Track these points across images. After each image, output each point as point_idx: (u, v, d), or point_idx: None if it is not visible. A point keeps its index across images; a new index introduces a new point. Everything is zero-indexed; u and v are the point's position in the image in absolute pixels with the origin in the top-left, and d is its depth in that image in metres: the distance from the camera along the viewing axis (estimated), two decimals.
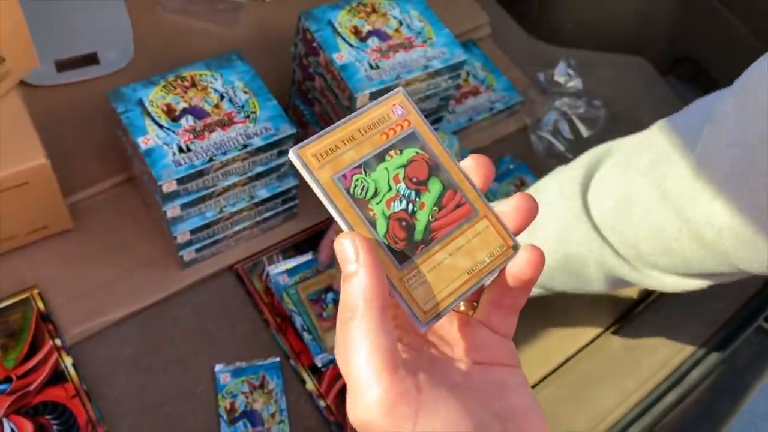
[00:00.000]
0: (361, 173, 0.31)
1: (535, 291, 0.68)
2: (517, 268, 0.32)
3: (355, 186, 0.31)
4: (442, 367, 0.33)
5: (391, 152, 0.32)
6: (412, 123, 0.33)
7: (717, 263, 0.53)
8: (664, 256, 0.56)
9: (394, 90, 0.34)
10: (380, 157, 0.32)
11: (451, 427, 0.28)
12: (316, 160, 0.30)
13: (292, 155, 0.30)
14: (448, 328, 0.34)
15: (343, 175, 0.31)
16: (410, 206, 0.32)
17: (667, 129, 0.56)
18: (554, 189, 0.64)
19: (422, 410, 0.28)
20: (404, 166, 0.32)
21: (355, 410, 0.28)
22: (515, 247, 0.33)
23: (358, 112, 0.32)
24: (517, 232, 0.34)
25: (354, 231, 0.30)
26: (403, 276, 0.31)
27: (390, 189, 0.32)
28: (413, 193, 0.32)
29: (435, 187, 0.33)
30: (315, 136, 0.31)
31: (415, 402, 0.28)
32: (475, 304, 0.35)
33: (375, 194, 0.31)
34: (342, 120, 0.32)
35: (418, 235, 0.32)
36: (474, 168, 0.34)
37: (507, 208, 0.33)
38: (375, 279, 0.28)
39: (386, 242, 0.31)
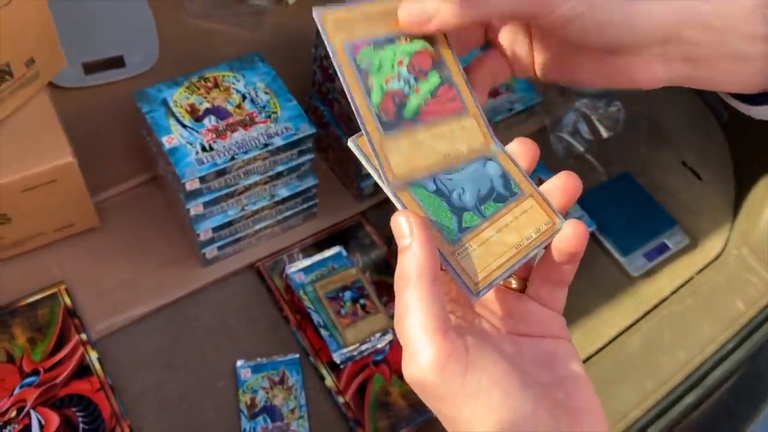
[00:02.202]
0: (370, 47, 0.34)
1: None
2: (562, 241, 0.33)
3: (362, 57, 0.34)
4: (492, 338, 0.34)
5: (403, 39, 0.35)
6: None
7: None
8: None
9: None
10: (391, 40, 0.35)
11: (498, 383, 0.30)
12: (333, 26, 0.33)
13: (315, 14, 0.33)
14: (498, 303, 0.36)
15: (354, 45, 0.33)
16: (406, 87, 0.34)
17: None
18: None
19: (470, 367, 0.30)
20: (410, 54, 0.35)
21: (410, 369, 0.30)
22: (561, 223, 0.35)
23: None
24: (563, 210, 0.35)
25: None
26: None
27: (392, 68, 0.34)
28: (412, 78, 0.35)
29: (433, 79, 0.35)
30: (341, 4, 0.34)
31: (464, 360, 0.30)
32: (525, 281, 0.36)
33: (378, 69, 0.34)
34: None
35: (407, 114, 0.34)
36: (520, 151, 0.36)
37: (552, 187, 0.35)
38: (427, 251, 0.30)
39: (377, 112, 0.33)
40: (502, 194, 0.35)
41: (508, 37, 0.40)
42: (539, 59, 0.40)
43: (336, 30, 0.33)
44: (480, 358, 0.30)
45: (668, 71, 0.37)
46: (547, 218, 0.35)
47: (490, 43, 0.40)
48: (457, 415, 0.30)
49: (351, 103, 0.33)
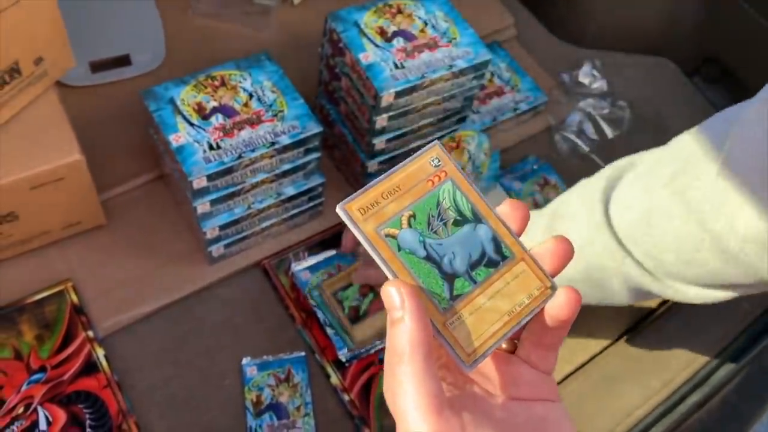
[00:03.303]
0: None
1: None
2: (555, 308, 0.33)
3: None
4: (484, 405, 0.34)
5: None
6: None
7: (741, 274, 0.53)
8: (687, 268, 0.56)
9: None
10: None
11: None
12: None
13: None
14: (489, 365, 0.36)
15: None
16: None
17: (689, 140, 0.56)
18: (576, 202, 0.64)
19: None
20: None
21: None
22: (553, 288, 0.34)
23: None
24: (554, 274, 0.35)
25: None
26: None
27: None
28: None
29: None
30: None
31: None
32: (515, 342, 0.36)
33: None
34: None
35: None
36: (510, 213, 0.35)
37: (543, 250, 0.35)
38: (420, 325, 0.30)
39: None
40: (494, 259, 0.34)
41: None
42: None
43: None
44: None
45: None
46: (539, 283, 0.34)
47: None
48: None
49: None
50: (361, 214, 0.33)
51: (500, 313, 0.33)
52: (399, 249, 0.33)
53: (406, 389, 0.30)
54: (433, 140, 0.36)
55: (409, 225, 0.33)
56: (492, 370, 0.35)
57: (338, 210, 0.32)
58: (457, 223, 0.34)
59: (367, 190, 0.33)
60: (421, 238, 0.33)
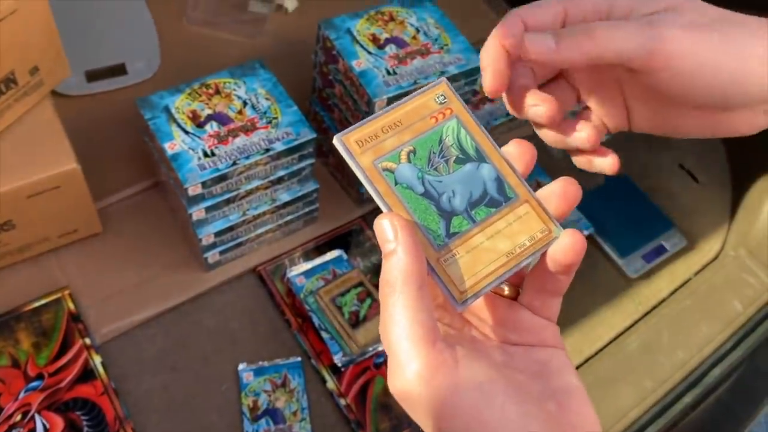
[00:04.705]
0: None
1: None
2: (558, 252, 0.32)
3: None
4: (482, 346, 0.33)
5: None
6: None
7: None
8: None
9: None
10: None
11: (490, 398, 0.29)
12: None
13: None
14: (489, 310, 0.34)
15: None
16: None
17: None
18: None
19: (460, 381, 0.28)
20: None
21: (395, 382, 0.29)
22: (557, 231, 0.33)
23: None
24: (561, 217, 0.33)
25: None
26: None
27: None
28: None
29: None
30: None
31: (454, 373, 0.28)
32: (519, 290, 0.35)
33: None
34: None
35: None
36: (516, 154, 0.34)
37: (549, 193, 0.34)
38: (412, 257, 0.29)
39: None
40: (496, 199, 0.33)
41: (600, 97, 0.39)
42: (636, 114, 0.39)
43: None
44: (470, 371, 0.29)
45: None
46: (542, 226, 0.33)
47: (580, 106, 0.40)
48: (445, 430, 0.28)
49: None
50: (359, 146, 0.32)
51: (498, 254, 0.32)
52: (396, 183, 0.31)
53: (398, 320, 0.29)
54: None
55: (409, 160, 0.32)
56: (492, 314, 0.34)
57: (335, 141, 0.31)
58: (459, 161, 0.33)
59: (366, 123, 0.32)
60: (420, 174, 0.32)
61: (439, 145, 0.33)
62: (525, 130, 0.96)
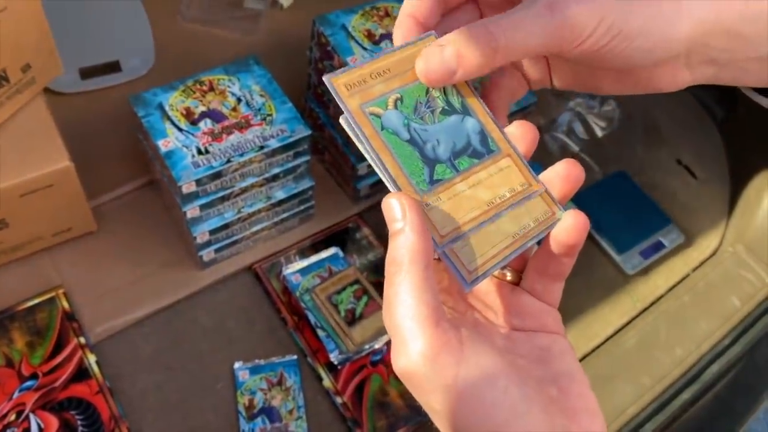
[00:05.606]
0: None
1: None
2: (561, 233, 0.32)
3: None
4: (485, 330, 0.33)
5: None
6: None
7: None
8: None
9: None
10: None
11: (493, 380, 0.29)
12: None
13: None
14: (492, 295, 0.35)
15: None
16: None
17: None
18: None
19: (463, 361, 0.29)
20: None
21: (399, 361, 0.29)
22: (560, 213, 0.34)
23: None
24: (564, 199, 0.34)
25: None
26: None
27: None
28: None
29: None
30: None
31: (457, 353, 0.29)
32: (521, 275, 0.35)
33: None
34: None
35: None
36: (518, 134, 0.35)
37: (552, 174, 0.34)
38: (420, 237, 0.29)
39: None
40: (478, 150, 0.34)
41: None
42: (558, 74, 0.39)
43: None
44: (474, 352, 0.29)
45: (693, 74, 0.36)
46: (546, 208, 0.34)
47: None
48: (447, 410, 0.29)
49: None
50: (347, 89, 0.32)
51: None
52: (382, 128, 0.32)
53: (403, 299, 0.29)
54: None
55: (396, 107, 0.33)
56: (494, 299, 0.35)
57: (324, 79, 0.32)
58: (444, 113, 0.34)
59: (355, 67, 0.32)
60: (406, 121, 0.32)
61: (426, 95, 0.34)
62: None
